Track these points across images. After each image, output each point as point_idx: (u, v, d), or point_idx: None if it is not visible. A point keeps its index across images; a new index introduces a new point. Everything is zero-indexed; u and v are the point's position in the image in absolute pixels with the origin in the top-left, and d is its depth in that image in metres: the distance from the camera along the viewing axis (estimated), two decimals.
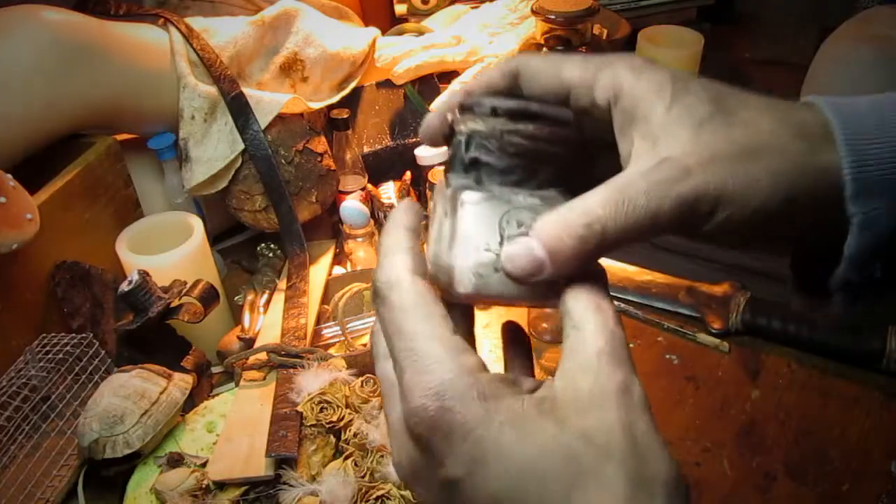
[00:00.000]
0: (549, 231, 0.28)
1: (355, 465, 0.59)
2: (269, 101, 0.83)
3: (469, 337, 0.33)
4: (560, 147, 0.32)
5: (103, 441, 0.59)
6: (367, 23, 1.07)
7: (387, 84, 0.99)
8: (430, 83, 0.99)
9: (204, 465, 0.61)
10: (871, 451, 0.65)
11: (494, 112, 0.32)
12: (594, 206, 0.28)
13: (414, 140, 0.94)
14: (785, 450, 0.66)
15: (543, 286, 0.30)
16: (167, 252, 0.72)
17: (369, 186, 0.91)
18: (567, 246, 0.28)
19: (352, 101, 0.96)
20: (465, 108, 0.33)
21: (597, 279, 0.30)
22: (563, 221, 0.28)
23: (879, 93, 0.29)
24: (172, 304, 0.68)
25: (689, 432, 0.68)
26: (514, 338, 0.37)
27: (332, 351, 0.72)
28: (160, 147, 0.82)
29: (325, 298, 0.81)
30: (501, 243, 0.31)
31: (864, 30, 0.89)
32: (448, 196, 0.33)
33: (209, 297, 0.70)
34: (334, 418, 0.61)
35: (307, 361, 0.67)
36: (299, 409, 0.62)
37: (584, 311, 0.28)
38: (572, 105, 0.32)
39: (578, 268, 0.29)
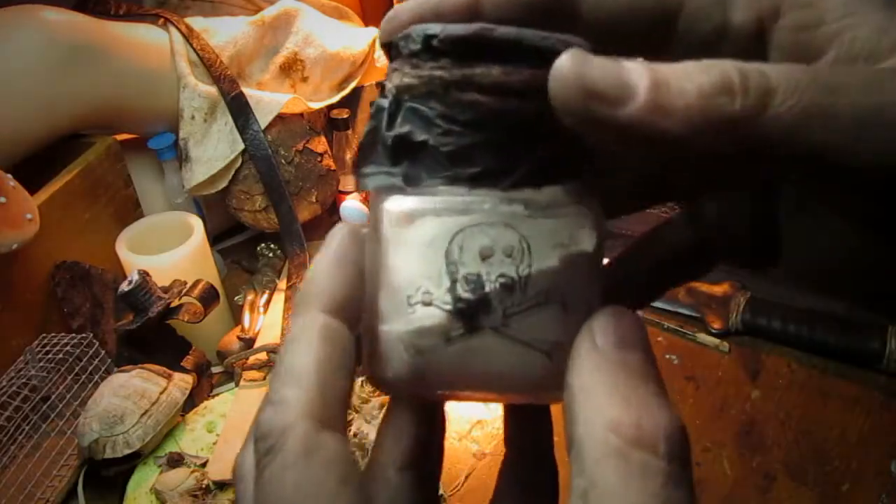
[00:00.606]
0: (664, 68, 0.16)
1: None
2: (269, 101, 0.83)
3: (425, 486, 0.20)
4: None
5: (103, 441, 0.59)
6: (367, 23, 1.07)
7: None
8: None
9: (204, 465, 0.61)
10: (871, 450, 0.65)
11: (430, 47, 0.19)
12: (758, 65, 0.16)
13: None
14: (785, 450, 0.66)
15: (545, 366, 0.18)
16: (167, 252, 0.72)
17: None
18: (689, 94, 0.15)
19: (352, 101, 0.96)
20: (392, 49, 0.20)
21: (634, 344, 0.17)
22: (691, 64, 0.16)
23: None
24: (172, 305, 0.68)
25: (689, 432, 0.67)
26: (527, 463, 0.22)
27: None
28: (160, 147, 0.82)
29: None
30: (453, 289, 0.18)
31: None
32: (370, 207, 0.20)
33: (209, 297, 0.70)
34: None
35: None
36: None
37: (604, 448, 0.16)
38: (682, 29, 0.19)
39: (689, 143, 0.15)
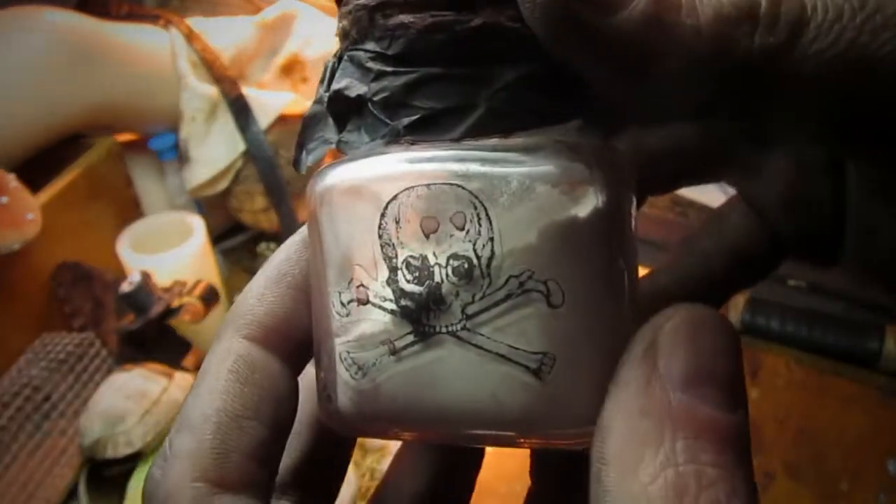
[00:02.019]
0: None
1: (355, 464, 0.59)
2: (270, 101, 0.83)
3: None
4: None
5: (105, 440, 0.59)
6: None
7: None
8: None
9: None
10: (869, 449, 0.65)
11: None
12: None
13: None
14: (783, 449, 0.66)
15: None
16: (168, 252, 0.73)
17: None
18: (704, 14, 0.11)
19: None
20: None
21: (721, 383, 0.12)
22: None
23: None
24: (173, 305, 0.68)
25: None
26: (553, 500, 0.17)
27: None
28: (161, 148, 0.82)
29: None
30: (393, 280, 0.14)
31: None
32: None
33: (210, 298, 0.71)
34: None
35: None
36: None
37: None
38: None
39: (686, 78, 0.12)
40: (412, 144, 0.14)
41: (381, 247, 0.13)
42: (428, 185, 0.13)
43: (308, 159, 0.16)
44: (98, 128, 0.80)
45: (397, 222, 0.13)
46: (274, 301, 0.15)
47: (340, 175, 0.14)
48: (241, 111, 0.82)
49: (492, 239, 0.13)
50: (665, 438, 0.11)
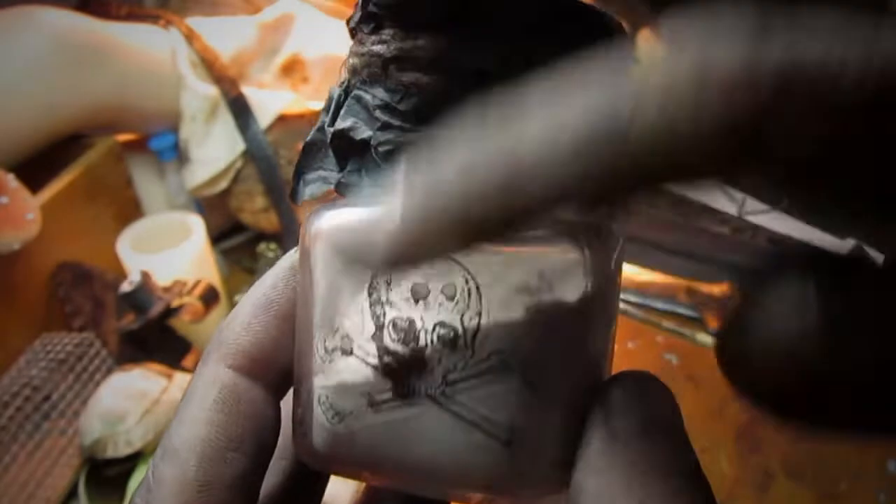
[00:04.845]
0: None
1: None
2: (270, 101, 0.83)
3: None
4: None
5: (105, 440, 0.59)
6: None
7: None
8: None
9: None
10: (869, 449, 0.65)
11: (370, 14, 0.15)
12: None
13: None
14: (783, 449, 0.66)
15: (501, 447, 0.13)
16: (168, 252, 0.73)
17: None
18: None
19: None
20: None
21: (664, 426, 0.14)
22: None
23: None
24: (173, 305, 0.68)
25: (688, 432, 0.68)
26: None
27: None
28: (161, 148, 0.82)
29: None
30: (379, 337, 0.14)
31: None
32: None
33: (210, 298, 0.71)
34: None
35: None
36: None
37: None
38: None
39: None
40: None
41: (371, 304, 0.14)
42: None
43: (305, 193, 0.16)
44: (98, 128, 0.80)
45: (388, 283, 0.14)
46: (260, 330, 0.15)
47: (343, 220, 0.14)
48: (241, 111, 0.82)
49: (479, 313, 0.13)
50: (634, 487, 0.12)
